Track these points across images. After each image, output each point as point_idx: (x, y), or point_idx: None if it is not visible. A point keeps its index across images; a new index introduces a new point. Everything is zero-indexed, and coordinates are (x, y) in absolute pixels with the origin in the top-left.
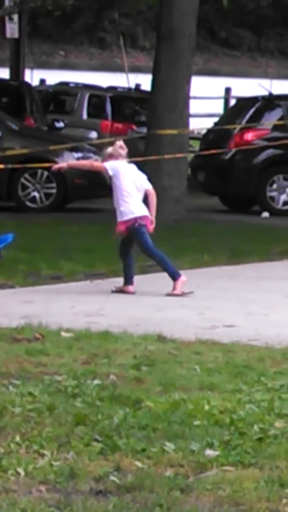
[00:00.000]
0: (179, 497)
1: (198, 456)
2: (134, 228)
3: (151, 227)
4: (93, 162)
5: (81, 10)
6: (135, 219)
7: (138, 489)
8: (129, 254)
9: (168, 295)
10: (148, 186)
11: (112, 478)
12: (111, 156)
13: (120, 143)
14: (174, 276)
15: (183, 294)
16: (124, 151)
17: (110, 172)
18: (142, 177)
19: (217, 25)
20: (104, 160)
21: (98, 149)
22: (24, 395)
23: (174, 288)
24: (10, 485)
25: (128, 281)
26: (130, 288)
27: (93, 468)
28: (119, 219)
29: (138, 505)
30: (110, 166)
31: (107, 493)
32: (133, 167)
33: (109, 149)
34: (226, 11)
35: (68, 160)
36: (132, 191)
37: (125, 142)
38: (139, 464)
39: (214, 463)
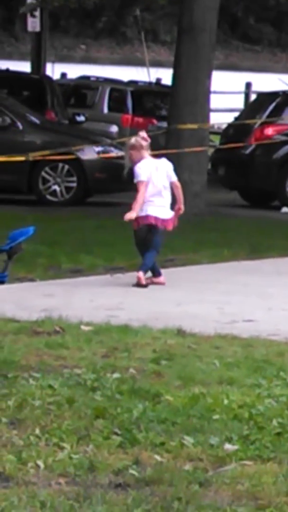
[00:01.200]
0: (198, 491)
1: (217, 450)
2: (154, 226)
3: (171, 225)
4: (139, 194)
5: (103, 9)
6: (155, 218)
7: (157, 482)
8: (152, 241)
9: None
10: (174, 179)
11: (131, 471)
12: (133, 147)
13: (143, 134)
14: (156, 271)
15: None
16: (146, 143)
17: (146, 179)
18: (169, 170)
19: (238, 20)
20: (126, 151)
21: (120, 144)
22: (44, 388)
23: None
24: (30, 478)
25: (156, 272)
26: (161, 278)
27: (112, 461)
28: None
29: (157, 499)
30: (143, 174)
31: (126, 486)
32: (161, 161)
33: (132, 140)
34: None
35: (88, 154)
36: (152, 191)
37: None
38: (158, 457)
39: (233, 458)
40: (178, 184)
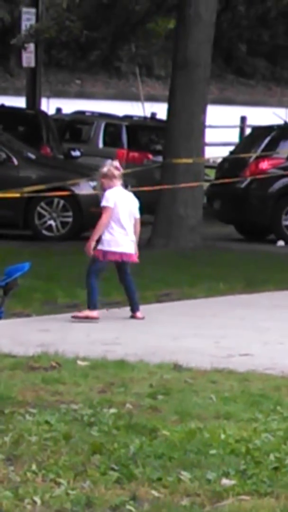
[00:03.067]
0: None
1: (214, 485)
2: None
3: (135, 257)
4: (103, 217)
5: (95, 42)
6: (121, 255)
7: None
8: (128, 280)
9: (73, 316)
10: (137, 215)
11: (128, 507)
12: (105, 176)
13: (115, 163)
14: (92, 305)
15: (81, 318)
16: (118, 172)
17: (112, 205)
18: (135, 205)
19: (232, 54)
20: (98, 180)
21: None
22: (41, 424)
23: (82, 312)
24: None
25: (134, 306)
26: (138, 314)
27: (109, 497)
28: (99, 247)
29: None
30: (111, 200)
31: None
32: (130, 194)
33: (104, 169)
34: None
35: (84, 189)
36: (120, 223)
37: (141, 170)
38: (155, 493)
39: (230, 492)
40: (138, 220)
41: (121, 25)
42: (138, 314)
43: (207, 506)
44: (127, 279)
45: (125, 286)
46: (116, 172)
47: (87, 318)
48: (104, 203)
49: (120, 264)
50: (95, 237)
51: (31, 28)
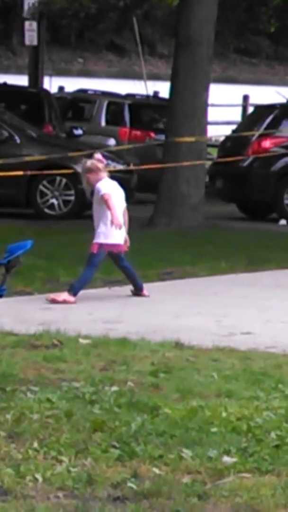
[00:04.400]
0: (197, 504)
1: (215, 463)
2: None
3: (125, 247)
4: (111, 201)
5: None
6: (115, 246)
7: (155, 495)
8: (126, 266)
9: (51, 299)
10: (124, 204)
11: (129, 484)
12: (90, 171)
13: (98, 156)
14: (74, 292)
15: (58, 302)
16: (102, 164)
17: (111, 192)
18: (123, 195)
19: (235, 33)
20: (82, 174)
21: (116, 156)
22: (42, 402)
23: (62, 295)
24: (28, 491)
25: (139, 287)
26: (144, 292)
27: (110, 474)
28: (98, 241)
29: None
30: (108, 188)
31: (125, 499)
32: (115, 183)
33: (88, 164)
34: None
35: None
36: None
37: (144, 149)
38: (156, 470)
39: (231, 470)
40: (126, 210)
41: None
42: (144, 292)
43: (208, 484)
44: (125, 266)
45: (125, 273)
46: (100, 165)
47: (64, 302)
48: (103, 191)
49: (114, 254)
50: (116, 218)
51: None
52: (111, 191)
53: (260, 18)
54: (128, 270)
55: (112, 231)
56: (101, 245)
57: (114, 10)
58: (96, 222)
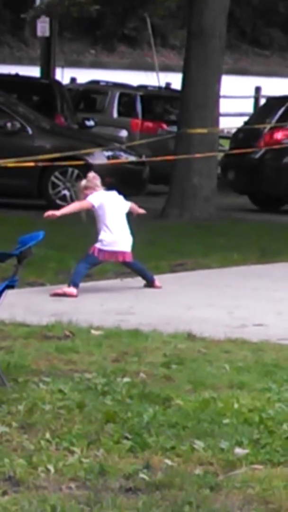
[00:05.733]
0: (209, 495)
1: (227, 454)
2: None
3: (130, 256)
4: (80, 202)
5: (105, 16)
6: (116, 254)
7: (167, 487)
8: (134, 263)
9: (53, 293)
10: (129, 204)
11: (141, 475)
12: (87, 188)
13: (92, 174)
14: (75, 285)
15: (60, 294)
16: (98, 181)
17: (96, 204)
18: (121, 201)
19: (248, 24)
20: (80, 193)
21: (128, 148)
22: (54, 393)
23: (65, 290)
24: (40, 482)
25: (150, 280)
26: (156, 283)
27: (122, 465)
28: (98, 246)
29: (168, 503)
30: (95, 199)
31: (137, 490)
32: (114, 193)
33: (83, 182)
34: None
35: (98, 158)
36: (115, 223)
37: (156, 141)
38: (168, 462)
39: (243, 462)
40: (134, 205)
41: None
42: (157, 283)
43: (220, 475)
44: (133, 267)
45: (135, 271)
46: (97, 181)
47: (65, 294)
48: (88, 198)
49: (122, 263)
50: (63, 211)
51: (42, 3)
52: (99, 204)
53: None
54: (137, 269)
55: (113, 238)
56: (100, 250)
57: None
58: (98, 231)
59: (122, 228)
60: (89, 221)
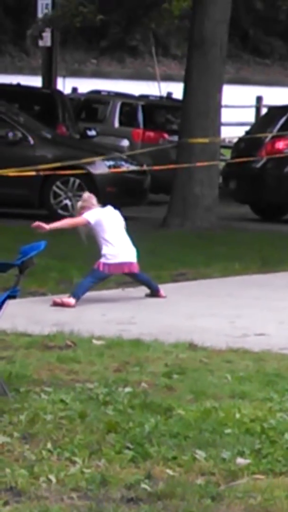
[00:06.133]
0: (210, 505)
1: (229, 464)
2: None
3: (136, 267)
4: (73, 219)
5: (109, 26)
6: (122, 266)
7: (169, 497)
8: (140, 276)
9: (53, 302)
10: (123, 222)
11: (143, 485)
12: (84, 208)
13: (87, 194)
14: (75, 297)
15: (59, 304)
16: (94, 200)
17: (92, 221)
18: (118, 215)
19: (248, 34)
20: (77, 214)
21: (130, 157)
22: (56, 403)
23: (63, 299)
24: (42, 492)
25: (155, 290)
26: (161, 293)
27: (124, 475)
28: (103, 260)
29: None
30: (90, 215)
31: (138, 500)
32: (109, 208)
33: (79, 203)
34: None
35: (99, 168)
36: (115, 236)
37: (157, 150)
38: (170, 472)
39: (245, 472)
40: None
41: (135, 8)
42: (161, 293)
43: (222, 485)
44: (139, 279)
45: (141, 282)
46: (93, 200)
47: (63, 304)
48: (84, 215)
49: (128, 274)
50: (53, 225)
51: (46, 16)
52: (95, 221)
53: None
54: (143, 280)
55: (116, 251)
56: (104, 264)
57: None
58: (100, 248)
59: (124, 240)
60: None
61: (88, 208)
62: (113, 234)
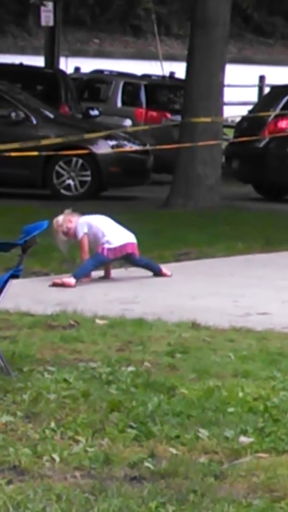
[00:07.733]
0: (213, 484)
1: (232, 443)
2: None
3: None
4: (82, 248)
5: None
6: (125, 247)
7: (172, 475)
8: (140, 261)
9: (53, 283)
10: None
11: (146, 464)
12: (69, 229)
13: (60, 217)
14: (76, 277)
15: (59, 284)
16: (70, 214)
17: (86, 230)
18: (106, 219)
19: (251, 13)
20: (58, 232)
21: (132, 137)
22: (59, 382)
23: (63, 279)
24: (45, 471)
25: (158, 270)
26: (164, 272)
27: (127, 454)
28: (106, 246)
29: (172, 491)
30: (80, 229)
31: (142, 479)
32: (96, 216)
33: (60, 221)
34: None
35: (102, 148)
36: (110, 226)
37: (160, 129)
38: (173, 450)
39: (248, 450)
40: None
41: None
42: (164, 271)
43: (225, 464)
44: (139, 264)
45: (141, 267)
46: (69, 216)
47: (63, 284)
48: (79, 235)
49: (128, 257)
50: (83, 272)
51: None
52: (83, 226)
53: None
54: (144, 264)
55: (117, 235)
56: (108, 249)
57: None
58: (100, 242)
59: (119, 227)
60: (91, 210)
61: (68, 221)
62: (108, 224)
